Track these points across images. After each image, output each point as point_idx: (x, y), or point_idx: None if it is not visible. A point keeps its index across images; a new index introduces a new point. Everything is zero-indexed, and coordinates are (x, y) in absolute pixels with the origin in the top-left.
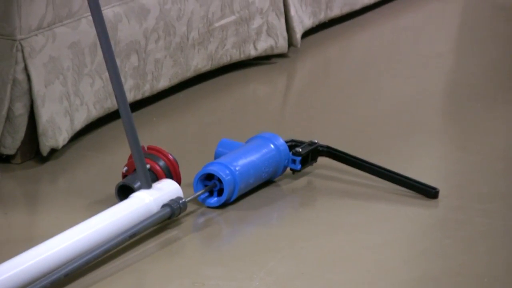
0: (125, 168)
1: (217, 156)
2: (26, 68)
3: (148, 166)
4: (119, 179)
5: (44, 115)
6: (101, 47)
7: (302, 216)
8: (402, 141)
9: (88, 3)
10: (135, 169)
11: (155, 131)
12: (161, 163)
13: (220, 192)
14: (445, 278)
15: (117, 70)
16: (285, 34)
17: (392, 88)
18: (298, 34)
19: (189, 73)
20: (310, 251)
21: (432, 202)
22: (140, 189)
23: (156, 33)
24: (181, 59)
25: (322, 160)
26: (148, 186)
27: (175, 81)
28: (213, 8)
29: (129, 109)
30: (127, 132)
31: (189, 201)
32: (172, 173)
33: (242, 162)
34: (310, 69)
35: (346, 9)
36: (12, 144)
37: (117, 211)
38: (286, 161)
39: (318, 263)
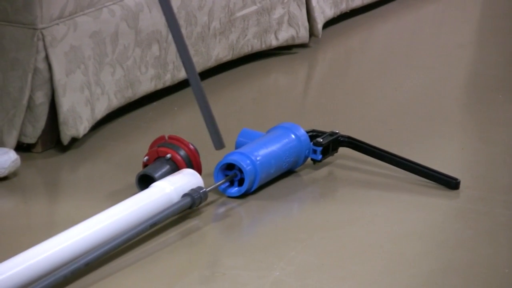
0: (146, 158)
1: (238, 146)
2: (47, 57)
3: (169, 155)
4: (139, 169)
5: (65, 104)
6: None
7: (323, 207)
8: (423, 132)
9: None
10: (155, 159)
11: (176, 120)
12: (182, 152)
13: (240, 182)
14: (467, 269)
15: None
16: (306, 24)
17: (413, 79)
18: (320, 24)
19: (210, 63)
20: (331, 241)
21: (453, 193)
22: (161, 179)
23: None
24: (202, 49)
25: (343, 150)
26: (221, 145)
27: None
28: None
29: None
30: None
31: (209, 191)
32: (193, 163)
33: (263, 152)
34: (331, 59)
35: (367, 0)
36: (33, 133)
37: (137, 201)
38: (307, 151)
39: (339, 254)
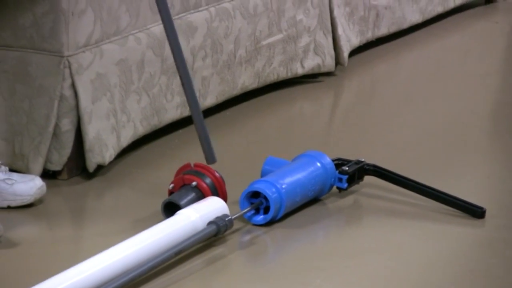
0: (172, 185)
1: (263, 174)
2: (73, 85)
3: (194, 183)
4: (165, 196)
5: (91, 131)
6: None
7: (348, 235)
8: (448, 160)
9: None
10: (181, 186)
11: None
12: (208, 180)
13: (266, 210)
14: None
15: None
16: (332, 52)
17: (438, 107)
18: (346, 53)
19: (236, 91)
20: (356, 270)
21: (478, 221)
22: (186, 206)
23: (204, 50)
24: (228, 77)
25: (368, 178)
26: (213, 160)
27: (222, 98)
28: (260, 26)
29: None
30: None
31: (235, 218)
32: (219, 191)
33: (289, 180)
34: (356, 87)
35: (393, 28)
36: (59, 160)
37: (163, 228)
38: (333, 179)
39: (364, 282)
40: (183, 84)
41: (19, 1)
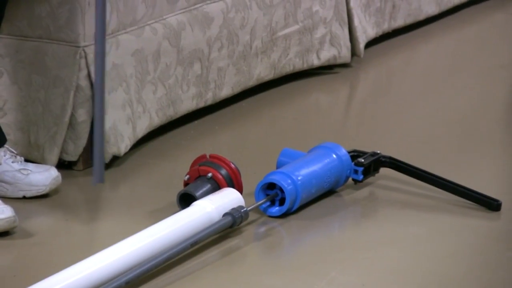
0: (187, 176)
1: (279, 165)
2: (89, 75)
3: (210, 174)
4: (180, 187)
5: (106, 122)
6: None
7: (364, 227)
8: (464, 153)
9: None
10: (196, 177)
11: (217, 139)
12: (223, 171)
13: (281, 202)
14: None
15: None
16: (348, 44)
17: (455, 99)
18: (362, 44)
19: (252, 82)
20: (372, 262)
21: (494, 214)
22: (202, 197)
23: (220, 41)
24: (244, 68)
25: (384, 170)
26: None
27: (237, 89)
28: (276, 17)
29: None
30: None
31: (250, 210)
32: (234, 182)
33: (304, 171)
34: (373, 79)
35: (410, 20)
36: (74, 150)
37: (178, 219)
38: (348, 171)
39: (380, 274)
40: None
41: None
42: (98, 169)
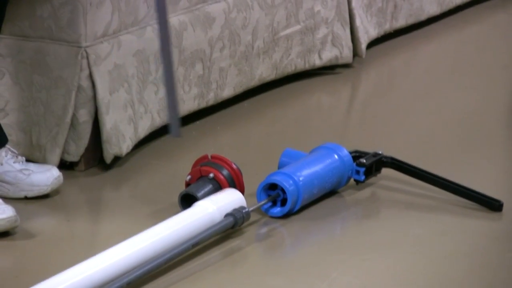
0: (189, 177)
1: (280, 166)
2: (91, 75)
3: (211, 175)
4: (182, 188)
5: (108, 122)
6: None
7: (366, 227)
8: (466, 153)
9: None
10: (198, 178)
11: (219, 140)
12: (225, 172)
13: (283, 202)
14: None
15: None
16: (350, 44)
17: (456, 99)
18: (363, 45)
19: (254, 82)
20: (373, 262)
21: (496, 214)
22: (203, 198)
23: (221, 41)
24: (245, 68)
25: (386, 171)
26: (178, 134)
27: (239, 90)
28: (278, 17)
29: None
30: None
31: (252, 210)
32: (236, 182)
33: (306, 172)
34: (374, 79)
35: (411, 20)
36: (76, 151)
37: (180, 220)
38: (350, 171)
39: (381, 275)
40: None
41: None
42: (174, 124)
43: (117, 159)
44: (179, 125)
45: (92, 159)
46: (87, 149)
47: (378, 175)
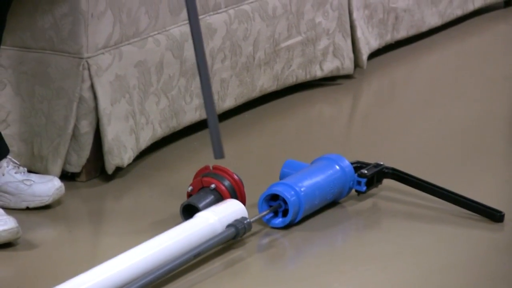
0: (190, 188)
1: (282, 176)
2: (92, 86)
3: (213, 186)
4: (184, 199)
5: (109, 133)
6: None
7: (367, 238)
8: (468, 164)
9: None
10: (200, 189)
11: None
12: (226, 183)
13: (285, 213)
14: None
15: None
16: (351, 55)
17: (458, 110)
18: (364, 56)
19: (255, 93)
20: (375, 273)
21: (497, 225)
22: (205, 209)
23: (223, 52)
24: (247, 79)
25: (387, 182)
26: (221, 155)
27: (240, 101)
28: (279, 29)
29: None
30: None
31: (253, 221)
32: (237, 193)
33: (307, 183)
34: (375, 90)
35: (412, 31)
36: (78, 162)
37: (181, 231)
38: (351, 182)
39: (382, 286)
40: (200, 76)
41: (38, 3)
42: (217, 145)
43: (118, 170)
44: (222, 145)
45: (94, 170)
46: (88, 160)
47: (380, 186)
